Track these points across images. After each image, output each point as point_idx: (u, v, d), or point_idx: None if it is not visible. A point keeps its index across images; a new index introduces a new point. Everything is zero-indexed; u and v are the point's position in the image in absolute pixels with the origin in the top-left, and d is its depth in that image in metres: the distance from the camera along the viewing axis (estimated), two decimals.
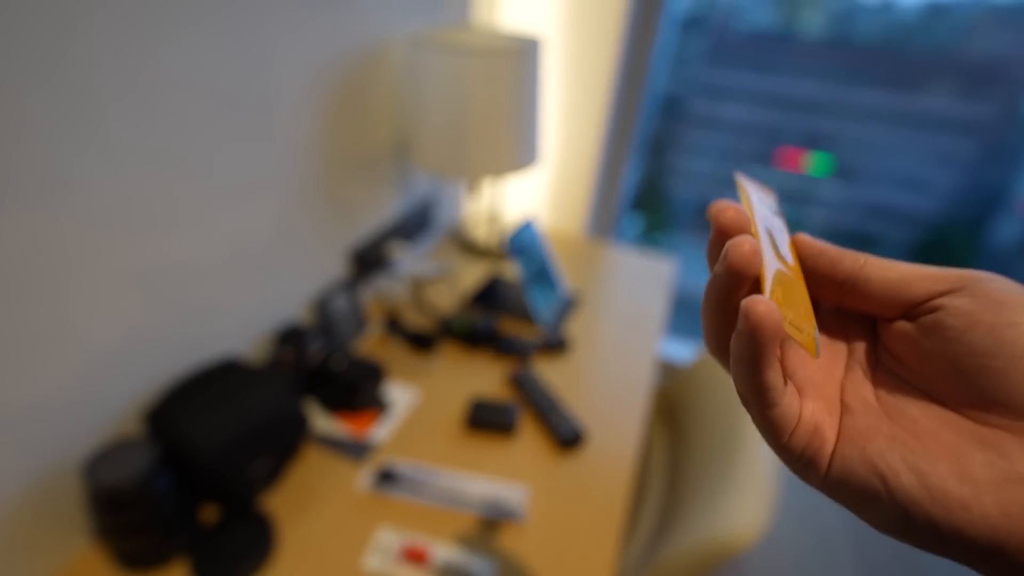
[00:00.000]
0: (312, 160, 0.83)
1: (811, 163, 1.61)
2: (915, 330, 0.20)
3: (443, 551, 0.65)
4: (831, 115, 1.57)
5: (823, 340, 0.25)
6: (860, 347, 0.24)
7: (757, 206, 0.26)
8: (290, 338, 0.80)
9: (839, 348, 0.24)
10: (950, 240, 1.62)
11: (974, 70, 1.40)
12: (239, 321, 0.78)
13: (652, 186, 1.79)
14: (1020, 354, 0.17)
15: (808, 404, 0.22)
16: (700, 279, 1.85)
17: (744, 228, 0.23)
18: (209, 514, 0.68)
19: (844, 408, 0.22)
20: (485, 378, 0.91)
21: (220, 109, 0.66)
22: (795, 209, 1.65)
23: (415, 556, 0.64)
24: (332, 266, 0.94)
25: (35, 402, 0.56)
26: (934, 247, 1.62)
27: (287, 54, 0.73)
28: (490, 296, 1.08)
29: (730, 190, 1.70)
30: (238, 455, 0.65)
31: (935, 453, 0.19)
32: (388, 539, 0.66)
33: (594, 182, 1.36)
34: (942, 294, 0.20)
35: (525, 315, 1.03)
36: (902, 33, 1.44)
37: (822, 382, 0.23)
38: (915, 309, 0.21)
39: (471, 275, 1.16)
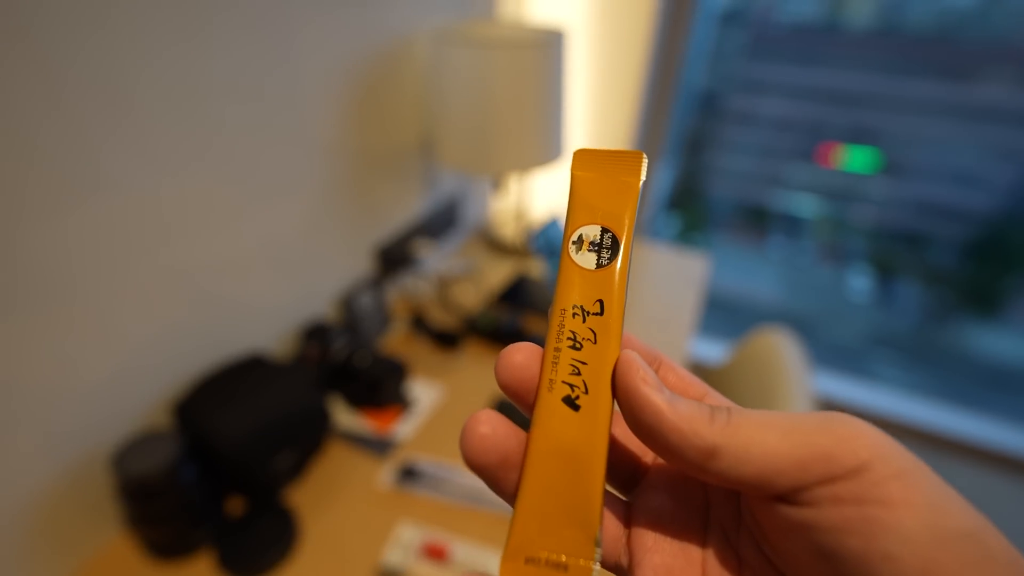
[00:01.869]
0: (339, 159, 0.83)
1: (857, 159, 1.54)
2: (780, 516, 0.16)
3: (463, 549, 0.65)
4: (879, 109, 1.50)
5: (671, 510, 0.19)
6: (722, 509, 0.19)
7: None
8: (315, 334, 0.81)
9: (695, 512, 0.19)
10: (1008, 237, 1.53)
11: None
12: (266, 317, 0.80)
13: (689, 185, 1.74)
14: None
15: None
16: (736, 277, 1.80)
17: (529, 386, 0.18)
18: (234, 506, 0.69)
19: None
20: None
21: (251, 111, 0.67)
22: (841, 207, 1.59)
23: (435, 553, 0.64)
24: (358, 264, 0.95)
25: (72, 393, 0.58)
26: (991, 245, 1.53)
27: (314, 54, 0.74)
28: (516, 294, 1.07)
29: (771, 187, 1.65)
30: (262, 448, 0.66)
31: None
32: (409, 535, 0.66)
33: None
34: (809, 486, 0.15)
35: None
36: (956, 21, 1.37)
37: (680, 567, 0.18)
38: (780, 498, 0.16)
39: (497, 273, 1.16)
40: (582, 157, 0.20)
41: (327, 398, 0.73)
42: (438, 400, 0.85)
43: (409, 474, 0.72)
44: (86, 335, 0.57)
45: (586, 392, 0.17)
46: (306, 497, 0.71)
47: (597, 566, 0.16)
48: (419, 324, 0.95)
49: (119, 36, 0.52)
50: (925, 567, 0.13)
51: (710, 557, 0.18)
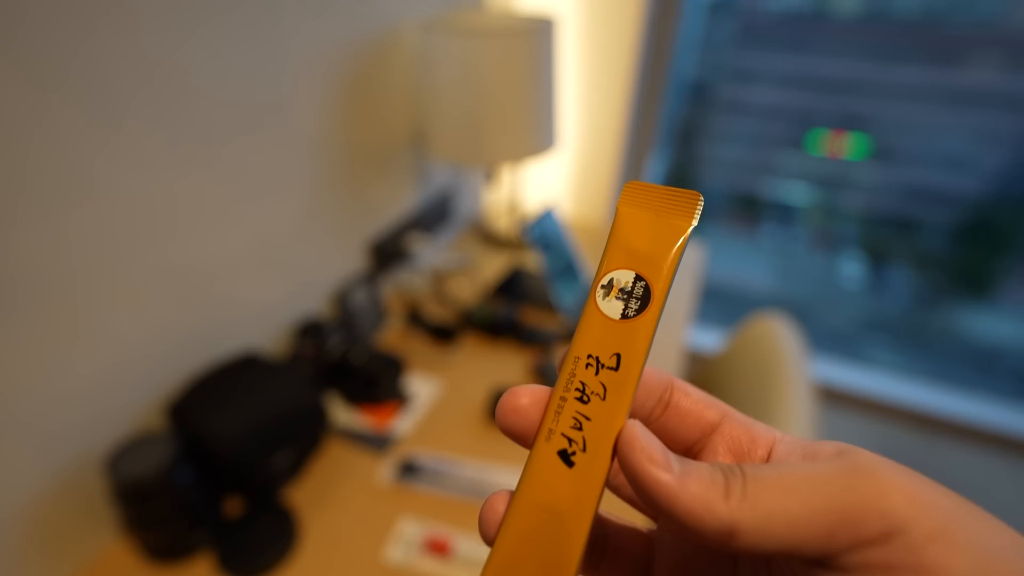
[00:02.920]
0: (329, 154, 0.82)
1: (847, 145, 1.55)
2: None
3: (466, 543, 0.64)
4: (868, 95, 1.51)
5: (695, 552, 0.18)
6: (752, 559, 0.18)
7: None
8: (310, 332, 0.80)
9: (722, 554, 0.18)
10: (997, 221, 1.54)
11: (1020, 42, 1.33)
12: (260, 315, 0.79)
13: (681, 175, 1.74)
14: None
15: None
16: (729, 266, 1.80)
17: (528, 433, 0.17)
18: (233, 507, 0.69)
19: None
20: (507, 369, 0.90)
21: (237, 106, 0.66)
22: (831, 194, 1.59)
23: (438, 548, 0.63)
24: (352, 260, 0.94)
25: (64, 396, 0.57)
26: (980, 228, 1.54)
27: (302, 47, 0.72)
28: (512, 286, 1.06)
29: (762, 176, 1.65)
30: (259, 448, 0.65)
31: None
32: (411, 531, 0.66)
33: (618, 169, 1.33)
34: (838, 554, 0.13)
35: (547, 305, 1.02)
36: (943, 6, 1.37)
37: None
38: (817, 562, 0.14)
39: (492, 266, 1.15)
40: (633, 191, 0.19)
41: (324, 395, 0.72)
42: (436, 394, 0.85)
43: (409, 469, 0.72)
44: (77, 337, 0.56)
45: (584, 450, 0.16)
46: (305, 495, 0.70)
47: None
48: (415, 319, 0.94)
49: (103, 36, 0.51)
50: None
51: None
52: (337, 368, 0.80)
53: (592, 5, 1.15)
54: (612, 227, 0.19)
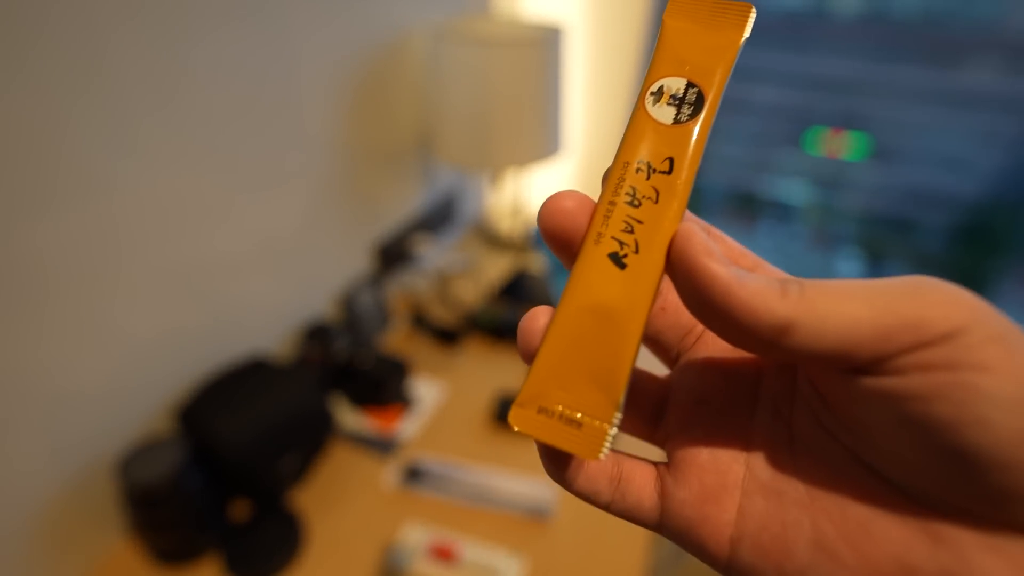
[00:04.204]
0: (337, 156, 0.82)
1: (846, 144, 1.56)
2: (855, 387, 0.14)
3: (471, 548, 0.65)
4: (867, 95, 1.51)
5: (715, 385, 0.18)
6: (774, 381, 0.17)
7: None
8: (316, 335, 0.80)
9: (742, 387, 0.18)
10: (994, 223, 1.55)
11: (1018, 45, 1.34)
12: (266, 318, 0.79)
13: None
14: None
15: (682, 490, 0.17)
16: None
17: (575, 234, 0.17)
18: (240, 510, 0.69)
19: (747, 492, 0.16)
20: (512, 372, 0.90)
21: (248, 108, 0.66)
22: (829, 193, 1.60)
23: (443, 554, 0.64)
24: (357, 261, 0.94)
25: (73, 399, 0.57)
26: (977, 229, 1.55)
27: (312, 51, 0.72)
28: (516, 289, 1.07)
29: (761, 174, 1.65)
30: (267, 452, 0.65)
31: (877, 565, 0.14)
32: (416, 536, 0.66)
33: None
34: (894, 356, 0.13)
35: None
36: (942, 8, 1.38)
37: (723, 440, 0.17)
38: (857, 370, 0.14)
39: (496, 268, 1.15)
40: (679, 3, 0.18)
41: (329, 399, 0.73)
42: (440, 398, 0.85)
43: (414, 474, 0.72)
44: (84, 339, 0.56)
45: (636, 252, 0.16)
46: (311, 499, 0.71)
47: (614, 431, 0.15)
48: (419, 321, 0.94)
49: (108, 32, 0.51)
50: (1021, 433, 0.12)
51: (757, 431, 0.17)
52: (343, 371, 0.80)
53: (598, 10, 1.15)
54: (660, 39, 0.18)
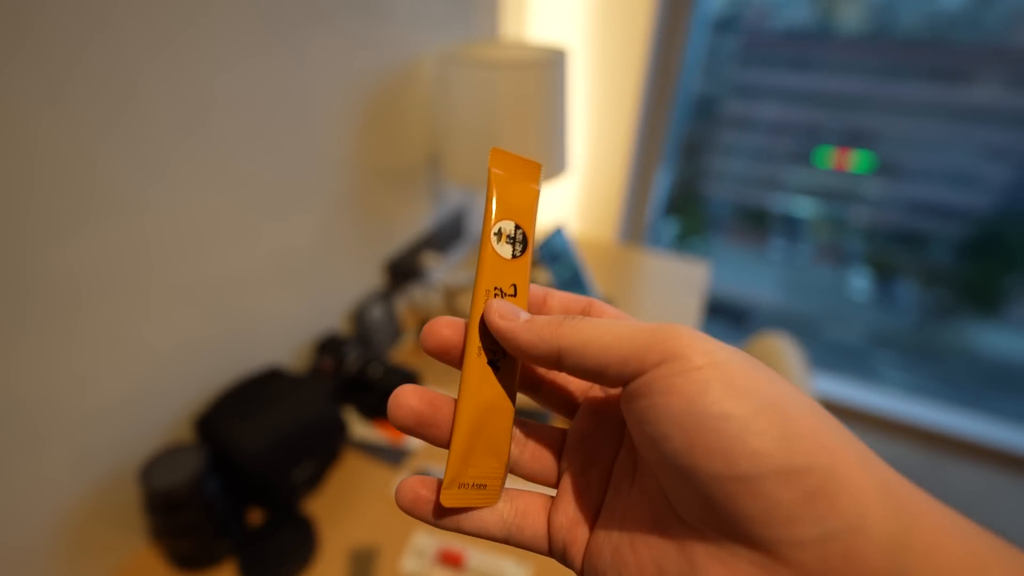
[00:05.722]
0: (349, 175, 0.86)
1: (853, 161, 1.57)
2: (626, 413, 0.19)
3: (478, 555, 0.67)
4: (872, 111, 1.53)
5: (594, 429, 0.23)
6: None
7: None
8: (329, 347, 0.83)
9: (612, 429, 0.23)
10: (1004, 236, 1.55)
11: None
12: (281, 331, 0.82)
13: (687, 190, 1.76)
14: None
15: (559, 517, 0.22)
16: (736, 280, 1.82)
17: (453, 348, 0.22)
18: (255, 517, 0.71)
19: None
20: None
21: (265, 130, 0.69)
22: (838, 208, 1.61)
23: (451, 560, 0.66)
24: (368, 277, 0.97)
25: (98, 410, 0.60)
26: (987, 244, 1.55)
27: (326, 74, 0.76)
28: None
29: (768, 190, 1.67)
30: (282, 460, 0.68)
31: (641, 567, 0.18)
32: (425, 543, 0.68)
33: (625, 187, 1.36)
34: (629, 379, 0.18)
35: None
36: (946, 23, 1.39)
37: (598, 467, 0.22)
38: (627, 399, 0.19)
39: None
40: (497, 157, 0.23)
41: (342, 409, 0.75)
42: None
43: None
44: (107, 352, 0.59)
45: (504, 356, 0.21)
46: (324, 507, 0.73)
47: (504, 483, 0.21)
48: None
49: (132, 56, 0.54)
50: (689, 443, 0.16)
51: (619, 460, 0.22)
52: (355, 382, 0.83)
53: (602, 31, 1.18)
54: (491, 186, 0.22)
